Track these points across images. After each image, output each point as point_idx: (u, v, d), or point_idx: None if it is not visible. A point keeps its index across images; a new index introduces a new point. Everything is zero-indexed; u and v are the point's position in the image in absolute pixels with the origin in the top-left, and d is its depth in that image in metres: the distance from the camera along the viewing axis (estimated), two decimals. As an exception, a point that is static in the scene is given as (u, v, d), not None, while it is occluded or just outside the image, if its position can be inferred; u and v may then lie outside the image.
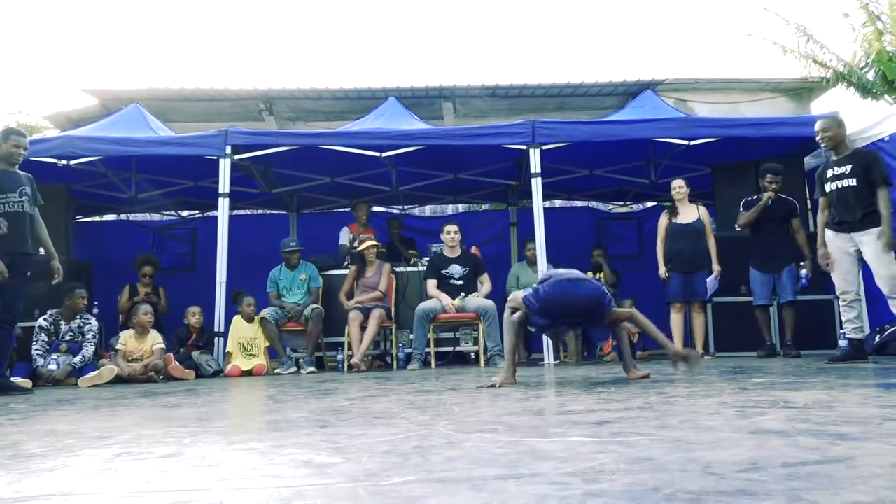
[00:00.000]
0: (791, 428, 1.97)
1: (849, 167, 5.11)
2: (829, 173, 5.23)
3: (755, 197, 6.50)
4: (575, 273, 4.04)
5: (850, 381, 3.54)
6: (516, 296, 4.24)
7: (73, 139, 6.82)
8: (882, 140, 6.40)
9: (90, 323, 6.12)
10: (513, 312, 4.17)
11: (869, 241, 4.96)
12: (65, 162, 7.00)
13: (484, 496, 1.27)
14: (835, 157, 5.25)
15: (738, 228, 6.59)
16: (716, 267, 6.56)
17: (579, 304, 3.93)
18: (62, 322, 6.05)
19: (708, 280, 6.54)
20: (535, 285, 4.11)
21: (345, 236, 8.07)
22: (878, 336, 6.05)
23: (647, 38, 42.84)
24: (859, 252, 5.08)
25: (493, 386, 3.86)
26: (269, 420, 2.78)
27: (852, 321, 5.17)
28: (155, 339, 6.18)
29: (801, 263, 6.32)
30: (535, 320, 4.05)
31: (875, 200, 4.93)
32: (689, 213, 6.77)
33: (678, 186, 6.83)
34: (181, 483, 1.53)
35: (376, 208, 9.04)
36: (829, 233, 5.22)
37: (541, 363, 6.41)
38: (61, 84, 43.13)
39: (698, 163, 7.97)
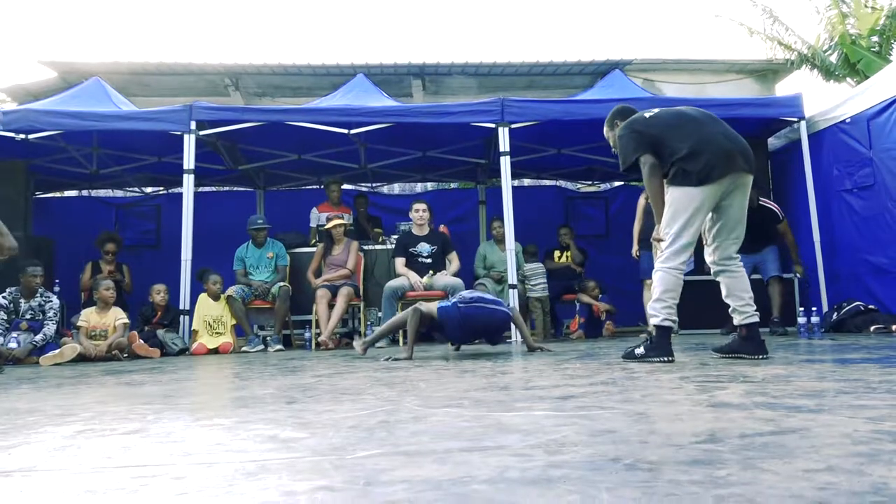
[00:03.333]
0: (749, 401, 2.02)
1: None
2: None
3: None
4: (491, 298, 4.92)
5: (808, 356, 3.64)
6: (430, 307, 4.78)
7: (31, 113, 6.63)
8: (843, 122, 6.54)
9: (51, 301, 6.00)
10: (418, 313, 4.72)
11: None
12: (23, 136, 6.81)
13: (448, 468, 1.29)
14: None
15: None
16: None
17: (493, 326, 4.84)
18: (22, 300, 5.92)
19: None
20: (454, 302, 4.77)
21: (314, 218, 8.02)
22: (835, 314, 6.22)
23: (616, 18, 42.95)
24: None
25: (389, 359, 4.46)
26: (235, 397, 2.77)
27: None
28: (118, 315, 6.09)
29: (796, 269, 6.45)
30: (449, 332, 4.78)
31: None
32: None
33: None
34: (145, 458, 1.52)
35: (345, 186, 8.97)
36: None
37: (508, 341, 6.46)
38: (18, 56, 41.87)
39: (665, 143, 8.03)
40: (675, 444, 1.42)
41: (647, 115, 3.79)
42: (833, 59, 11.89)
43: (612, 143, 4.02)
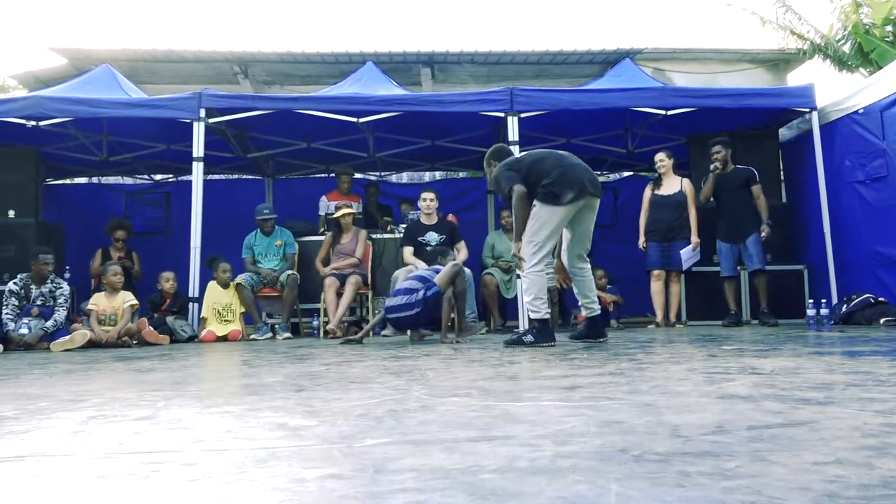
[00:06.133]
0: (757, 393, 2.02)
1: None
2: None
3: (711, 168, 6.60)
4: (402, 300, 5.32)
5: (817, 349, 3.63)
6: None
7: (41, 99, 6.66)
8: (856, 113, 6.49)
9: (62, 287, 6.04)
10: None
11: None
12: (34, 123, 6.83)
13: (456, 457, 1.29)
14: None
15: (702, 203, 6.68)
16: (694, 238, 6.63)
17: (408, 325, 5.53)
18: (33, 286, 5.97)
19: (683, 251, 6.60)
20: (395, 295, 5.43)
21: (323, 206, 8.02)
22: (844, 306, 6.19)
23: (626, 7, 42.65)
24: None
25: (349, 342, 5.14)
26: (244, 384, 2.79)
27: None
28: (126, 298, 6.12)
29: (761, 227, 6.36)
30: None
31: None
32: (672, 185, 6.84)
33: (660, 160, 6.90)
34: (155, 444, 1.54)
35: (355, 175, 8.96)
36: None
37: (516, 330, 6.46)
38: (28, 42, 41.99)
39: (675, 133, 8.00)
40: (684, 436, 1.42)
41: (518, 155, 4.77)
42: (846, 48, 11.77)
43: (489, 177, 4.95)
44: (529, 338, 4.35)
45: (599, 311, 4.55)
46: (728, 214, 6.52)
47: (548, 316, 4.41)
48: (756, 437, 1.39)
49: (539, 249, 4.37)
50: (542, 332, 4.35)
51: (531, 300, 4.37)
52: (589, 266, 4.69)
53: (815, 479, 1.06)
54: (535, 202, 4.40)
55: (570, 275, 4.70)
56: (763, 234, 6.32)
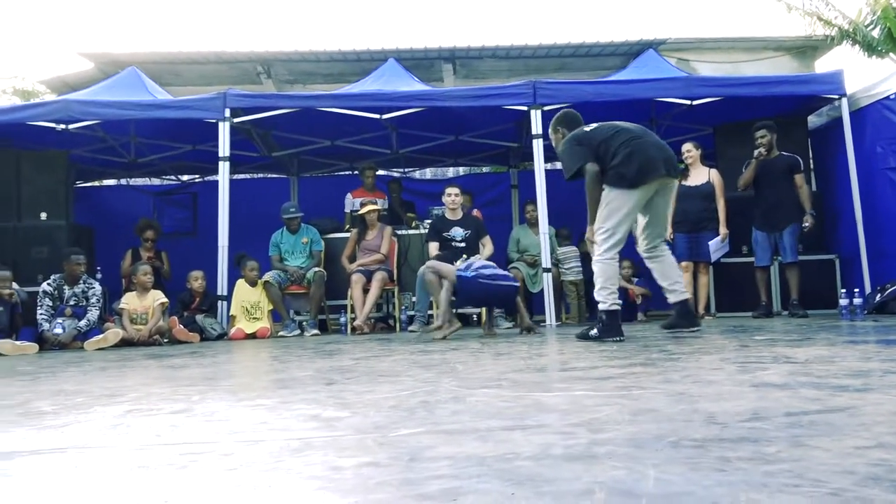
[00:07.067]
0: (793, 381, 1.99)
1: None
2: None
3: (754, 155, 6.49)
4: (503, 274, 5.32)
5: (852, 338, 3.57)
6: (448, 270, 5.27)
7: (70, 103, 6.76)
8: (888, 98, 6.36)
9: (94, 287, 6.14)
10: (434, 273, 5.33)
11: None
12: (63, 126, 6.95)
13: (490, 445, 1.29)
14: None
15: (739, 189, 6.57)
16: (723, 230, 6.54)
17: (502, 298, 5.36)
18: (66, 287, 6.07)
19: (712, 242, 6.52)
20: (465, 268, 5.24)
21: (349, 203, 8.05)
22: (878, 295, 6.07)
23: (649, -2, 42.21)
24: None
25: (444, 338, 4.82)
26: (275, 378, 2.81)
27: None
28: (156, 297, 6.21)
29: (804, 218, 6.26)
30: (461, 299, 5.35)
31: None
32: (700, 175, 6.75)
33: (686, 151, 6.81)
34: (192, 436, 1.56)
35: (379, 172, 8.99)
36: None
37: (543, 324, 6.44)
38: (57, 48, 42.68)
39: (701, 123, 7.91)
40: (720, 423, 1.41)
41: (587, 128, 4.30)
42: (875, 33, 11.53)
43: (554, 144, 4.59)
44: (595, 332, 4.06)
45: (688, 295, 4.11)
46: (767, 202, 6.38)
47: (616, 307, 4.07)
48: (794, 423, 1.37)
49: (610, 236, 4.08)
50: (610, 327, 4.03)
51: (598, 289, 4.08)
52: (668, 250, 4.33)
53: (859, 463, 1.04)
54: (604, 185, 4.08)
55: (646, 260, 4.37)
56: (806, 224, 6.20)
